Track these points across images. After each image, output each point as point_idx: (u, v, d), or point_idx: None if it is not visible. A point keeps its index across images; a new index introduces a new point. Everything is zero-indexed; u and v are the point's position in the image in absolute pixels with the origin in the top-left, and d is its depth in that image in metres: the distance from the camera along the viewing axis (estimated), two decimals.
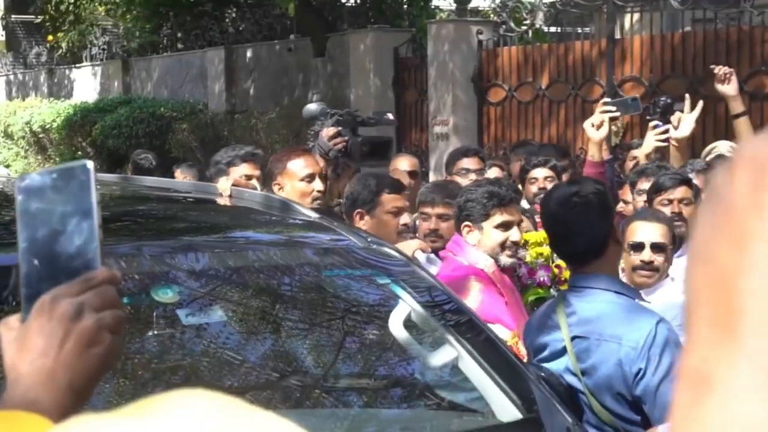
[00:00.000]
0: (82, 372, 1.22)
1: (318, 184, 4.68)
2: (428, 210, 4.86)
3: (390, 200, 4.56)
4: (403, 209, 4.63)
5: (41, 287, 1.27)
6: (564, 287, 4.52)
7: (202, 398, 0.93)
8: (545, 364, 3.38)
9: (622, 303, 3.40)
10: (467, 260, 4.17)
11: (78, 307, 1.24)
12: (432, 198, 4.87)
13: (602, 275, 3.42)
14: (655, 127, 5.63)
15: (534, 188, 6.08)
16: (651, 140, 5.61)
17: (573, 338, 3.36)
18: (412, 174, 6.15)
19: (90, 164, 1.31)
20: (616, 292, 3.41)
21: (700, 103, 5.60)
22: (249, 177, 5.10)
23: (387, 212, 4.52)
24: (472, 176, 6.05)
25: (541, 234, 4.70)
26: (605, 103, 5.80)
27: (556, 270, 4.63)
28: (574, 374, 3.35)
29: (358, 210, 4.52)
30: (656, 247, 4.20)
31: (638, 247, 4.20)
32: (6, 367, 1.25)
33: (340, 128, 5.08)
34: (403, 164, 6.27)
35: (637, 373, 3.20)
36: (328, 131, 5.06)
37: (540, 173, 6.16)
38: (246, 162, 5.24)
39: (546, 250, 4.63)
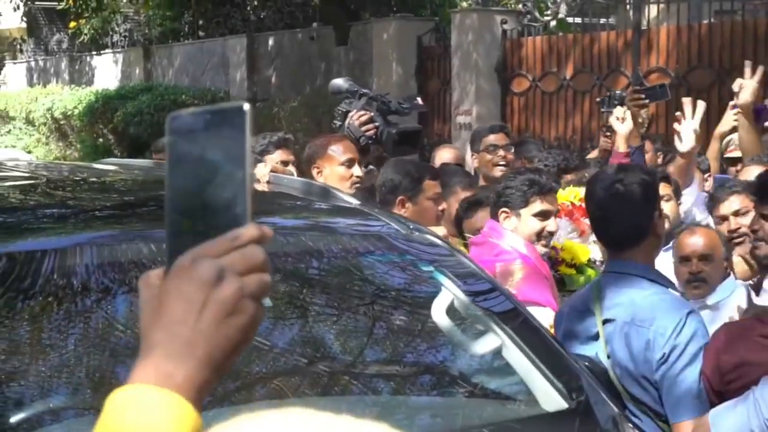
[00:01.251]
0: (221, 344, 1.10)
1: (357, 170, 4.68)
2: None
3: (432, 186, 4.55)
4: (441, 196, 4.62)
5: (185, 241, 1.14)
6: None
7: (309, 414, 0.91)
8: (578, 350, 3.39)
9: (655, 290, 3.40)
10: (508, 245, 4.15)
11: (219, 270, 1.10)
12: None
13: (638, 263, 3.43)
14: (734, 107, 5.44)
15: None
16: (729, 119, 5.45)
17: (604, 322, 3.37)
18: (505, 147, 6.10)
19: (247, 106, 1.15)
20: (650, 280, 3.42)
21: (701, 106, 5.14)
22: (285, 163, 5.06)
23: (429, 198, 4.50)
24: (501, 152, 6.00)
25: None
26: (635, 92, 5.80)
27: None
28: (603, 361, 3.35)
29: (401, 197, 4.49)
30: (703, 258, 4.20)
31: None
32: (142, 329, 1.14)
33: (372, 114, 5.04)
34: (446, 155, 6.25)
35: (661, 358, 3.21)
36: (359, 116, 5.01)
37: None
38: (280, 148, 5.21)
39: None
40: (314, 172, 4.70)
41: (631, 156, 5.46)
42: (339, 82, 5.40)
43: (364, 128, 4.98)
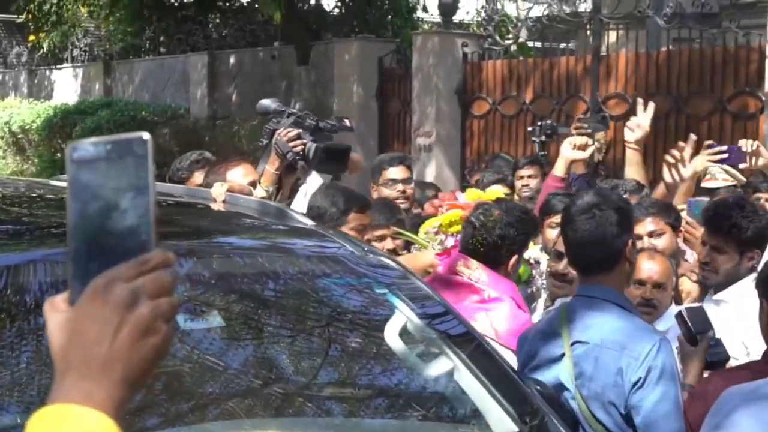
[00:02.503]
0: (137, 363, 1.15)
1: (259, 191, 4.74)
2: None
3: (356, 218, 4.55)
4: (367, 227, 4.63)
5: (90, 267, 1.18)
6: None
7: None
8: (538, 372, 3.41)
9: (626, 315, 3.44)
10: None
11: (133, 293, 1.15)
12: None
13: (610, 288, 3.46)
14: (710, 146, 5.46)
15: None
16: (702, 160, 5.49)
17: (573, 343, 3.39)
18: (405, 181, 6.13)
19: (147, 136, 1.21)
20: (620, 306, 3.45)
21: (651, 105, 5.71)
22: (252, 183, 5.03)
23: (352, 229, 4.46)
24: (399, 186, 6.01)
25: (451, 215, 4.78)
26: (579, 120, 6.07)
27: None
28: (569, 383, 3.37)
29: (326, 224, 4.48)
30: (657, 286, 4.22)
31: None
32: (54, 354, 1.18)
33: (300, 130, 5.07)
34: (394, 173, 6.20)
35: (636, 383, 3.23)
36: (287, 132, 5.04)
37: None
38: (199, 170, 5.26)
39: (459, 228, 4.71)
40: None
41: (572, 183, 5.55)
42: (266, 102, 5.43)
43: (291, 144, 5.01)
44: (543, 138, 6.63)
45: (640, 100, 5.85)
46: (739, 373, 3.22)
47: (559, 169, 5.44)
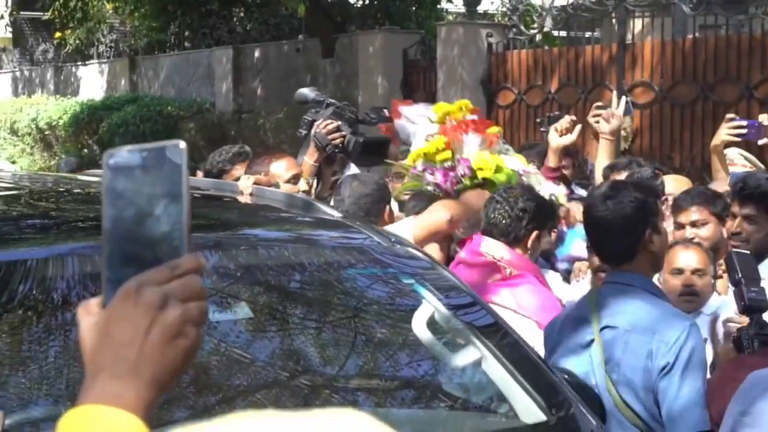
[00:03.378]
0: (166, 365, 1.17)
1: (302, 185, 4.75)
2: None
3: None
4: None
5: (124, 271, 1.20)
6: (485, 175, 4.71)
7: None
8: (568, 358, 3.42)
9: (656, 301, 3.48)
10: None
11: (164, 296, 1.18)
12: None
13: (638, 275, 3.50)
14: (731, 120, 5.45)
15: None
16: (722, 133, 5.45)
17: (602, 329, 3.40)
18: None
19: (183, 144, 1.23)
20: (651, 293, 3.48)
21: (623, 99, 5.87)
22: (296, 177, 5.02)
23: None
24: None
25: (436, 142, 4.84)
26: (597, 107, 6.03)
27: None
28: (599, 368, 3.37)
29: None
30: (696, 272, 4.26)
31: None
32: (85, 355, 1.19)
33: (340, 122, 5.05)
34: None
35: (664, 367, 3.24)
36: (327, 124, 5.02)
37: None
38: (238, 163, 5.28)
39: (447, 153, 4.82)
40: None
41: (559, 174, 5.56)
42: (305, 91, 5.40)
43: (330, 137, 4.99)
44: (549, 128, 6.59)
45: (615, 93, 6.16)
46: (754, 359, 3.19)
47: (551, 160, 5.44)
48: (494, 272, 4.17)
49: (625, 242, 3.46)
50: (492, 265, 4.19)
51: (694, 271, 4.24)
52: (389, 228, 4.09)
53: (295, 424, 1.05)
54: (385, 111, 5.53)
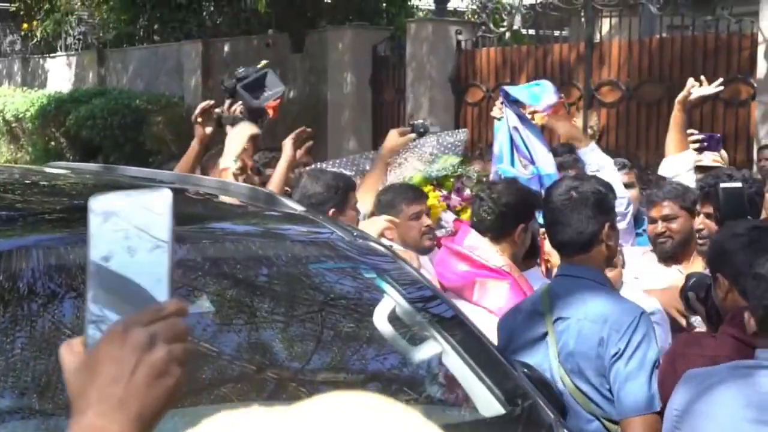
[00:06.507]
0: (151, 403, 1.21)
1: (229, 163, 4.87)
2: None
3: (353, 196, 4.70)
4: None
5: (107, 313, 1.26)
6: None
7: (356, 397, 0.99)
8: (522, 352, 3.47)
9: (608, 292, 3.56)
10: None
11: (150, 337, 1.23)
12: None
13: (589, 268, 3.55)
14: (691, 134, 5.80)
15: None
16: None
17: (555, 320, 3.46)
18: None
19: (168, 193, 1.28)
20: (602, 284, 3.55)
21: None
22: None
23: (351, 208, 4.60)
24: None
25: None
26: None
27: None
28: (553, 360, 3.43)
29: (332, 209, 4.50)
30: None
31: None
32: (71, 393, 1.24)
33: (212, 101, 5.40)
34: None
35: (616, 353, 3.30)
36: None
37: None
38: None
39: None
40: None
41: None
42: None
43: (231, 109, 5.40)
44: (414, 136, 6.60)
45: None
46: (706, 339, 3.28)
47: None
48: (471, 266, 4.26)
49: (582, 234, 3.51)
50: (468, 259, 4.28)
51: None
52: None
53: (290, 417, 1.09)
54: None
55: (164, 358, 1.22)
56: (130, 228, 1.26)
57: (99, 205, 1.27)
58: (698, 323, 3.93)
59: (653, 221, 4.85)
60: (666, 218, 4.80)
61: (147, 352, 1.22)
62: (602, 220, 3.54)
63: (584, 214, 3.51)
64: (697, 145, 5.63)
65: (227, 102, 5.53)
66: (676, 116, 5.72)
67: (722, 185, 4.12)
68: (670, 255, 4.79)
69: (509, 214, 4.29)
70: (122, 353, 1.22)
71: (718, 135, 5.81)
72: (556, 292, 3.55)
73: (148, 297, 1.26)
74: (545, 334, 3.49)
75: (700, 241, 4.55)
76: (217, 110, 5.32)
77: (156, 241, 1.26)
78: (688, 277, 3.65)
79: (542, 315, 3.52)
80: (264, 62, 5.92)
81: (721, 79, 5.64)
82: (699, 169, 6.47)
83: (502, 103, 5.43)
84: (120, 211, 1.27)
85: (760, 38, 9.53)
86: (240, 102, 5.53)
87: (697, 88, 5.60)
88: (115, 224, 1.26)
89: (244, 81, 5.64)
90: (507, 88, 5.51)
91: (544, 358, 3.46)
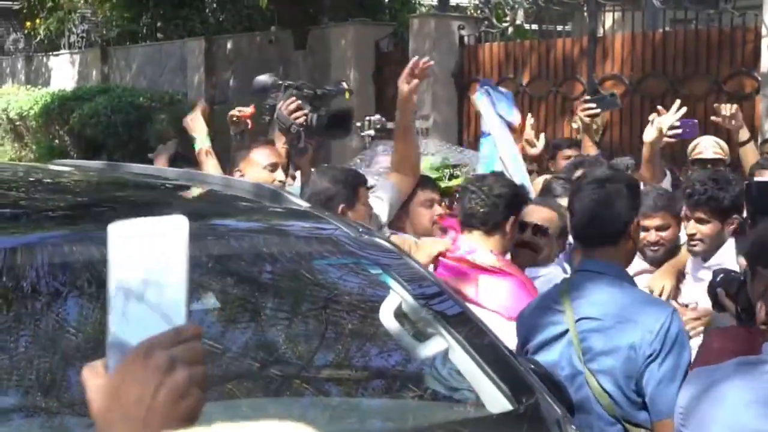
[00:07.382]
0: (171, 424, 1.24)
1: (280, 174, 4.76)
2: None
3: (364, 192, 4.58)
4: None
5: (127, 336, 1.29)
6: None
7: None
8: (541, 350, 3.45)
9: (635, 290, 3.54)
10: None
11: (171, 359, 1.26)
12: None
13: (614, 264, 3.51)
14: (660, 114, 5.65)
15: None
16: (653, 132, 5.55)
17: (579, 320, 3.41)
18: None
19: (185, 219, 1.30)
20: (626, 282, 3.54)
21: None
22: (274, 165, 5.01)
23: (363, 204, 4.52)
24: None
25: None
26: (585, 101, 6.09)
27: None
28: (575, 359, 3.40)
29: (342, 205, 4.45)
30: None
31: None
32: (95, 414, 1.27)
33: (299, 101, 5.04)
34: None
35: (650, 355, 3.27)
36: (287, 105, 5.01)
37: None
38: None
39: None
40: (236, 175, 4.80)
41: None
42: (262, 78, 5.33)
43: (293, 116, 4.98)
44: (372, 133, 6.54)
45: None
46: (739, 331, 3.27)
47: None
48: (478, 272, 4.26)
49: (614, 225, 3.48)
50: (462, 260, 4.28)
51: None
52: None
53: None
54: (344, 83, 5.50)
55: (185, 380, 1.25)
56: (148, 253, 1.28)
57: (117, 230, 1.30)
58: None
59: (645, 230, 4.82)
60: (660, 228, 4.89)
61: (168, 374, 1.25)
62: (632, 215, 3.52)
63: (616, 207, 3.48)
64: (671, 133, 5.47)
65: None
66: (648, 150, 5.56)
67: (755, 179, 4.14)
68: (661, 261, 4.88)
69: (501, 204, 4.31)
70: (144, 375, 1.25)
71: (695, 120, 5.67)
72: (578, 289, 3.49)
73: (167, 320, 1.29)
74: (564, 332, 3.45)
75: (692, 243, 4.64)
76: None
77: (173, 266, 1.29)
78: (716, 273, 3.61)
79: (562, 313, 3.47)
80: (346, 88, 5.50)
81: (683, 110, 5.49)
82: (699, 162, 6.48)
83: (486, 91, 5.45)
84: (138, 237, 1.29)
85: (763, 31, 9.50)
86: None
87: (659, 118, 5.44)
88: (134, 249, 1.29)
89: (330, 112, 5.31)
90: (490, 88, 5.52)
91: (562, 357, 3.42)
